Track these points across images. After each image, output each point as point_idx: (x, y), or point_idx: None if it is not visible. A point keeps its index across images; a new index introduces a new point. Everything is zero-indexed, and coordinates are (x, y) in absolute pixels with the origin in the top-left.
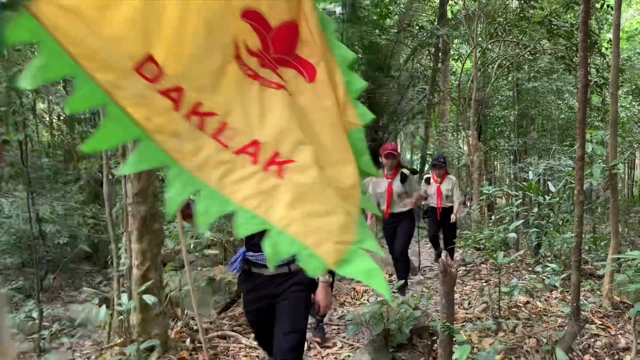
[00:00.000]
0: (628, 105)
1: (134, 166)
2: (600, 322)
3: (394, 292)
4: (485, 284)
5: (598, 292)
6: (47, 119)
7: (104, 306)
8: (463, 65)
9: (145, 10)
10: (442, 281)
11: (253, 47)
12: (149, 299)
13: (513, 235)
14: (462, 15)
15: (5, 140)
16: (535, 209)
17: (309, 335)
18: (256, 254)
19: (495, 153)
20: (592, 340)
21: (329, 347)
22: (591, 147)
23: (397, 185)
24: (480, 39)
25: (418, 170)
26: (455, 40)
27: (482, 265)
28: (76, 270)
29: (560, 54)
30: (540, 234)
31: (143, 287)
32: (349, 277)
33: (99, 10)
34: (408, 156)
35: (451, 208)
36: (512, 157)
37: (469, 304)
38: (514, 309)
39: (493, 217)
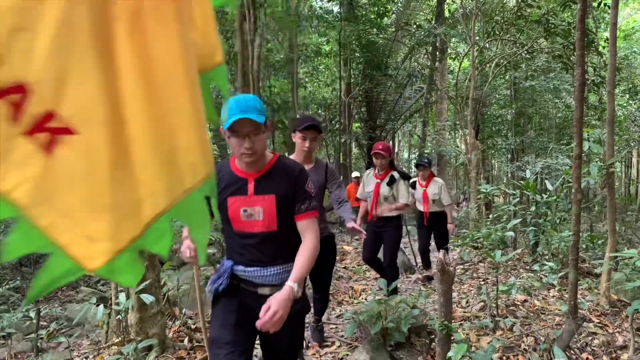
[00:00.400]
0: (625, 104)
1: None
2: (598, 321)
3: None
4: (483, 282)
5: (595, 291)
6: None
7: (101, 305)
8: (460, 64)
9: None
10: (440, 280)
11: None
12: (147, 298)
13: (511, 233)
14: (459, 14)
15: None
16: (533, 208)
17: (307, 335)
18: (249, 268)
19: (493, 152)
20: (590, 338)
21: (327, 346)
22: (588, 145)
23: (384, 187)
24: (477, 37)
25: (410, 176)
26: (453, 39)
27: (480, 263)
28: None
29: (557, 52)
30: (538, 233)
31: (141, 287)
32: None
33: None
34: (405, 155)
35: (440, 213)
36: (509, 156)
37: (467, 302)
38: (511, 308)
39: (491, 216)
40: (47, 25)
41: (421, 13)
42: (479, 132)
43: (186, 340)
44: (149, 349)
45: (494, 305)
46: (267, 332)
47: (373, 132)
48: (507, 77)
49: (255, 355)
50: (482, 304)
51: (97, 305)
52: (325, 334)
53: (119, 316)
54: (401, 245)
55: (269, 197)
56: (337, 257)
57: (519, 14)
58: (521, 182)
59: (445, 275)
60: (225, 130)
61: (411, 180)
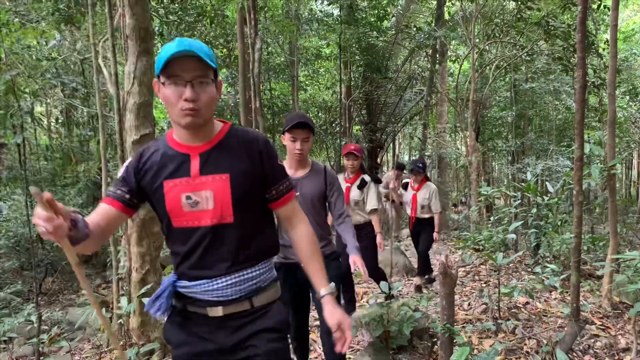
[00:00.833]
0: (625, 106)
1: None
2: (600, 323)
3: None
4: (484, 285)
5: (597, 293)
6: (45, 122)
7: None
8: (460, 66)
9: None
10: (442, 283)
11: None
12: None
13: (512, 236)
14: (459, 17)
15: (3, 143)
16: (534, 210)
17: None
18: (196, 282)
19: (493, 154)
20: (592, 341)
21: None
22: (589, 147)
23: (355, 191)
24: (477, 40)
25: (382, 180)
26: (453, 42)
27: (482, 266)
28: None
29: (557, 54)
30: (539, 235)
31: (142, 290)
32: None
33: None
34: (406, 157)
35: (428, 219)
36: (510, 158)
37: (469, 305)
38: (513, 310)
39: (492, 218)
40: None
41: (421, 16)
42: (479, 134)
43: None
44: (151, 353)
45: (496, 307)
46: None
47: (373, 134)
48: (507, 79)
49: None
50: (484, 306)
51: None
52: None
53: (121, 320)
54: (402, 248)
55: (221, 176)
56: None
57: (518, 16)
58: (522, 184)
59: (448, 278)
60: (158, 77)
61: (404, 181)
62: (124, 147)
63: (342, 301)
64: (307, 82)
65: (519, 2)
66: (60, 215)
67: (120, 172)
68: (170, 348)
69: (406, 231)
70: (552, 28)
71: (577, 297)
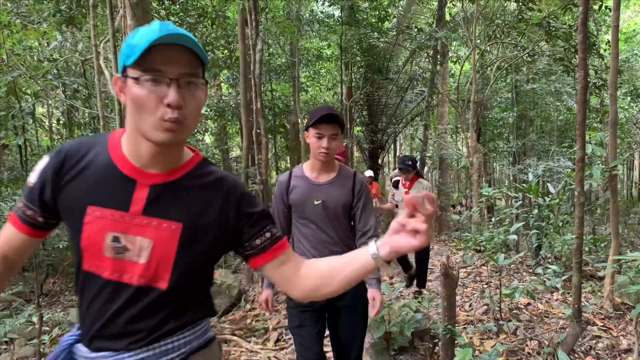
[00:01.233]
0: (627, 107)
1: None
2: (602, 324)
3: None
4: (486, 286)
5: (599, 294)
6: (47, 123)
7: None
8: (462, 67)
9: None
10: (444, 284)
11: None
12: None
13: (513, 237)
14: (460, 18)
15: (5, 144)
16: (535, 211)
17: None
18: (98, 354)
19: (495, 155)
20: (594, 342)
21: (329, 351)
22: (590, 148)
23: None
24: (478, 41)
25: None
26: (454, 43)
27: (483, 267)
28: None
29: (558, 55)
30: (541, 236)
31: None
32: None
33: None
34: None
35: None
36: (511, 159)
37: (470, 306)
38: (515, 311)
39: (493, 219)
40: None
41: (422, 17)
42: (480, 135)
43: None
44: None
45: (497, 308)
46: None
47: (374, 135)
48: (508, 80)
49: None
50: (485, 307)
51: None
52: (325, 338)
53: None
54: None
55: (170, 225)
56: None
57: (519, 17)
58: (523, 185)
59: (449, 279)
60: (123, 70)
61: (394, 179)
62: None
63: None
64: (308, 83)
65: (520, 3)
66: None
67: (33, 177)
68: None
69: None
70: (553, 29)
71: (579, 298)
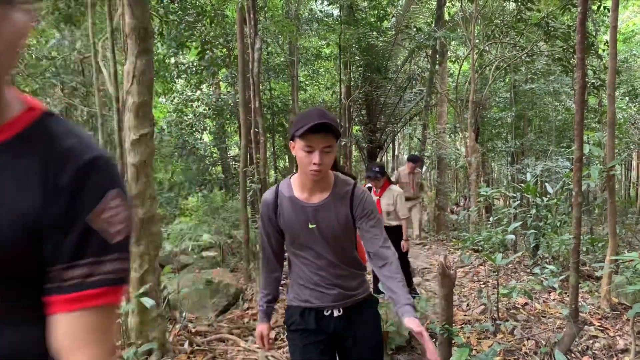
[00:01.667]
0: (625, 107)
1: None
2: (599, 324)
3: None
4: (483, 285)
5: (596, 294)
6: None
7: None
8: (460, 67)
9: None
10: (441, 283)
11: None
12: (147, 301)
13: (511, 236)
14: (459, 17)
15: None
16: (533, 211)
17: None
18: None
19: (493, 155)
20: (591, 341)
21: None
22: (588, 148)
23: None
24: (477, 40)
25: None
26: (453, 42)
27: (481, 267)
28: None
29: (557, 55)
30: (538, 236)
31: (141, 290)
32: None
33: None
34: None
35: (396, 228)
36: (509, 159)
37: (468, 305)
38: (512, 311)
39: (491, 219)
40: None
41: (421, 16)
42: (479, 134)
43: (186, 343)
44: (149, 352)
45: (494, 308)
46: None
47: (373, 135)
48: (507, 80)
49: (256, 359)
50: (482, 307)
51: None
52: None
53: (119, 320)
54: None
55: None
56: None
57: (518, 17)
58: (521, 184)
59: (446, 279)
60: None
61: (367, 186)
62: (123, 147)
63: None
64: (307, 82)
65: (519, 3)
66: None
67: None
68: None
69: None
70: (552, 29)
71: (576, 298)
